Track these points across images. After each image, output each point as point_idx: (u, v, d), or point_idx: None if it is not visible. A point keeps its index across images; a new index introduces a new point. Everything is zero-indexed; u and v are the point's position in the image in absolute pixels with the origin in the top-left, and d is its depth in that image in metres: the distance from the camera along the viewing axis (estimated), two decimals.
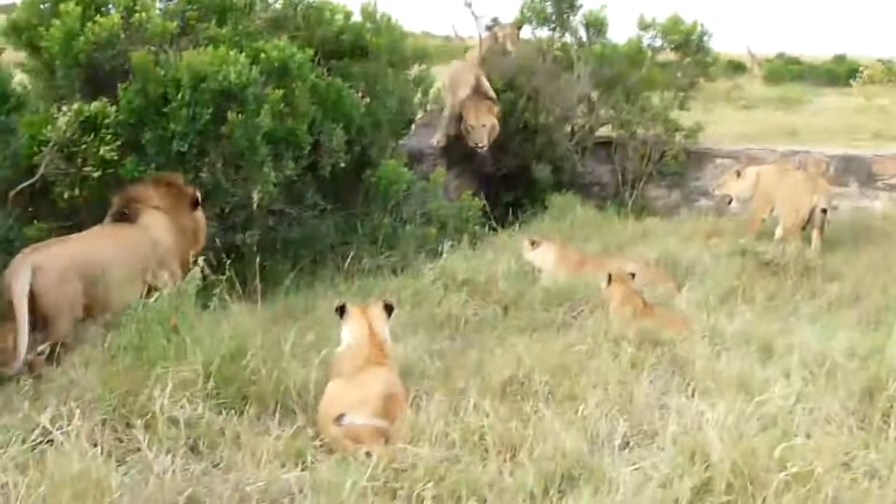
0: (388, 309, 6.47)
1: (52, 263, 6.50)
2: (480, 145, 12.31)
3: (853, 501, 4.94)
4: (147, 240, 7.23)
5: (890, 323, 7.63)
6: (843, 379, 6.50)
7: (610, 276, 7.99)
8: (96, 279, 6.66)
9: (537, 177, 12.77)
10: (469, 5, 13.69)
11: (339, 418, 5.55)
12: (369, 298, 7.24)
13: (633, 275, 8.06)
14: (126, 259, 7.02)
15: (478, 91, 12.51)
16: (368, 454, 5.27)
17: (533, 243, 9.62)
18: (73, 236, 7.02)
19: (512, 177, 13.10)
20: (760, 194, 11.15)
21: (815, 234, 10.71)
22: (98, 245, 7.03)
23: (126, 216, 7.31)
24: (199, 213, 7.70)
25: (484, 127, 12.32)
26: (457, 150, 12.85)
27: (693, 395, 6.38)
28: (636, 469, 5.30)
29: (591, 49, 14.02)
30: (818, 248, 10.41)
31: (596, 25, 14.10)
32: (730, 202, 11.46)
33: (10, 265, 6.51)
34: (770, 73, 34.57)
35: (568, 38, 14.25)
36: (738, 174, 11.35)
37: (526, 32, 14.21)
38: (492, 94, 12.58)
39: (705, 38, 14.27)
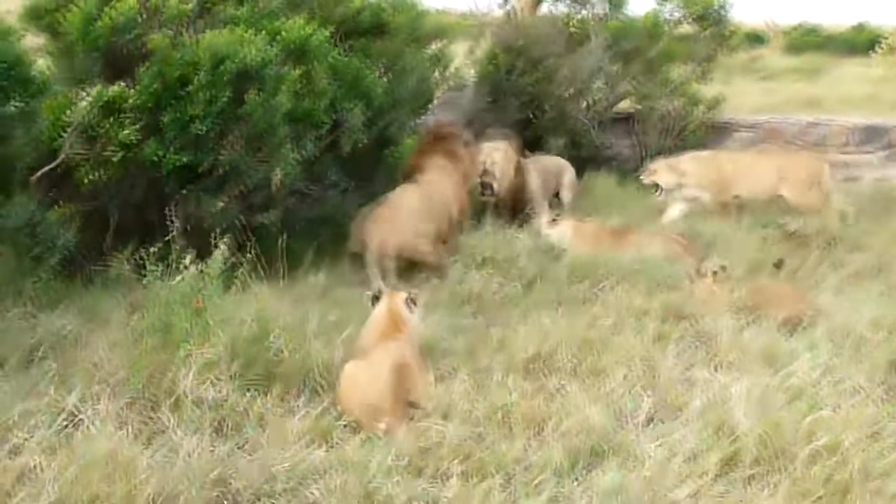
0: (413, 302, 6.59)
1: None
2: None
3: (881, 472, 4.93)
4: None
5: None
6: (869, 350, 6.50)
7: (699, 271, 7.94)
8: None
9: (552, 150, 12.72)
10: None
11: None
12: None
13: (723, 267, 7.99)
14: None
15: None
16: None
17: (554, 220, 9.62)
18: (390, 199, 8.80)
19: (531, 152, 13.07)
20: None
21: None
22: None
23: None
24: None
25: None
26: (476, 127, 12.82)
27: (718, 368, 6.38)
28: (662, 443, 5.30)
29: (610, 23, 13.95)
30: None
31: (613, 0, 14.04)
32: (659, 192, 11.09)
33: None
34: (790, 43, 34.34)
35: (586, 12, 14.18)
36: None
37: (544, 7, 14.17)
38: None
39: (724, 10, 14.17)
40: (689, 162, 10.90)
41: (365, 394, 5.70)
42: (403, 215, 8.64)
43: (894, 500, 4.77)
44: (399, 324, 6.34)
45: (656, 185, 10.91)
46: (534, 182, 11.12)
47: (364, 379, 5.78)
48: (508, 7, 13.75)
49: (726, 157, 11.33)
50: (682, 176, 10.73)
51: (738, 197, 10.68)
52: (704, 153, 11.44)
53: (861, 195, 11.57)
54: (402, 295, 6.61)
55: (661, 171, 10.89)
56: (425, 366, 6.24)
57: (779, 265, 7.90)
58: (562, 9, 14.24)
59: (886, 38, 29.31)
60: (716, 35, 14.35)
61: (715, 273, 7.89)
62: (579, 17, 14.21)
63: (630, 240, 9.22)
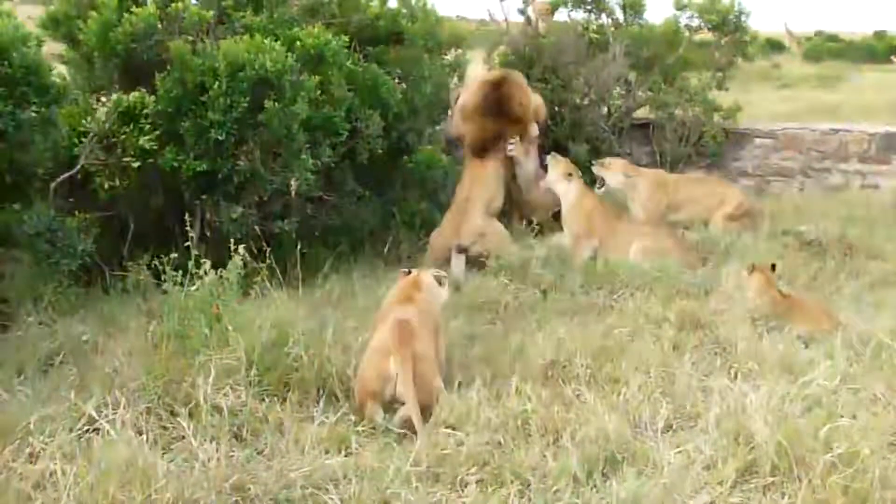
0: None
1: None
2: None
3: None
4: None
5: None
6: (889, 359, 6.46)
7: (753, 266, 7.92)
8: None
9: (574, 157, 12.70)
10: None
11: None
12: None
13: (773, 266, 7.97)
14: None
15: None
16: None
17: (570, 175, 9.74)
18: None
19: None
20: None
21: None
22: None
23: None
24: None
25: None
26: None
27: (736, 377, 6.36)
28: (680, 452, 5.29)
29: (628, 30, 13.93)
30: None
31: (633, 6, 14.00)
32: (600, 185, 10.89)
33: None
34: (809, 51, 34.30)
35: (604, 19, 14.15)
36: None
37: (562, 15, 14.14)
38: None
39: (743, 18, 14.13)
40: (645, 177, 10.78)
41: (372, 351, 5.90)
42: None
43: None
44: (413, 294, 6.44)
45: (602, 179, 10.75)
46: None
47: (373, 342, 6.01)
48: (526, 14, 13.70)
49: (674, 180, 11.18)
50: (632, 189, 10.62)
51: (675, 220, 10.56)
52: (661, 172, 11.34)
53: (882, 202, 11.52)
54: (431, 272, 6.79)
55: (614, 169, 10.73)
56: (440, 336, 6.35)
57: (772, 269, 7.87)
58: (580, 15, 14.22)
59: None
60: (734, 43, 14.31)
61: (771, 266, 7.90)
62: (597, 23, 14.19)
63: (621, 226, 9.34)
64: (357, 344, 6.35)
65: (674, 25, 14.16)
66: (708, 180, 11.83)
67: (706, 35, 14.43)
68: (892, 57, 28.74)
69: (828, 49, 34.29)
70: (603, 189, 10.55)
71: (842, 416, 5.44)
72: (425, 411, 5.62)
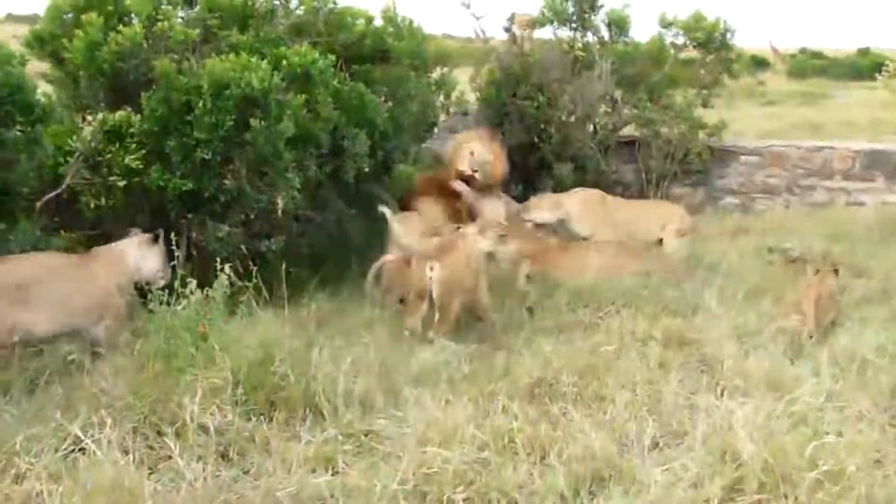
0: None
1: None
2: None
3: (886, 499, 4.91)
4: None
5: None
6: (874, 376, 6.48)
7: (817, 269, 7.99)
8: None
9: (559, 176, 12.71)
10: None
11: None
12: None
13: (836, 270, 8.01)
14: None
15: None
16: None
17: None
18: None
19: (534, 177, 13.07)
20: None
21: None
22: None
23: None
24: None
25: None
26: None
27: (722, 394, 6.36)
28: (666, 469, 5.29)
29: (613, 48, 13.99)
30: None
31: (618, 24, 14.06)
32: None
33: None
34: (793, 68, 34.45)
35: (590, 37, 14.20)
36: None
37: (547, 33, 14.20)
38: None
39: (728, 35, 14.21)
40: (572, 199, 10.76)
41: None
42: None
43: None
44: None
45: (533, 223, 10.61)
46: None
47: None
48: (511, 32, 13.75)
49: (611, 199, 11.15)
50: (567, 215, 10.60)
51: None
52: (593, 191, 11.28)
53: (866, 219, 11.58)
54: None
55: (540, 207, 10.71)
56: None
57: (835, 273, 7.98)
58: (566, 33, 14.27)
59: (891, 63, 29.36)
60: (719, 60, 14.39)
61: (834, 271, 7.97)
62: (583, 41, 14.23)
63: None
64: (344, 363, 6.34)
65: (659, 43, 14.23)
66: (648, 200, 11.95)
67: (691, 53, 14.51)
68: (877, 74, 28.85)
69: (812, 66, 34.45)
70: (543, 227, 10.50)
71: (828, 434, 5.45)
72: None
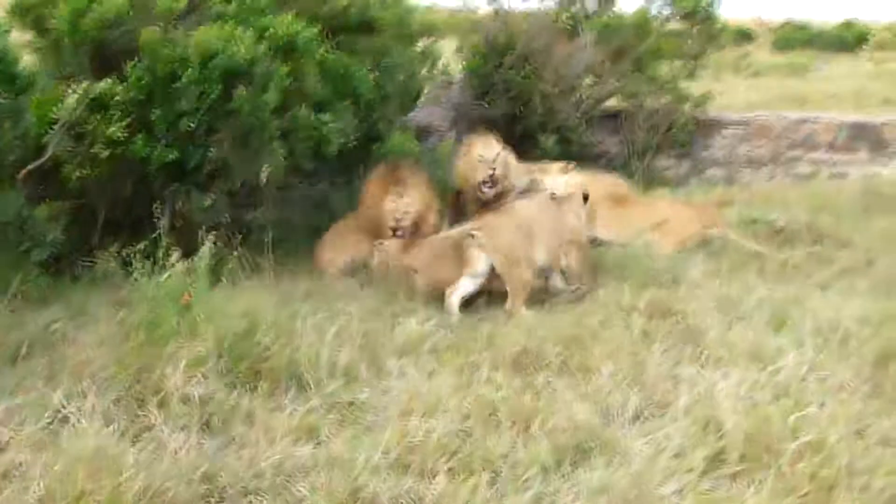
0: None
1: None
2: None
3: (867, 469, 4.95)
4: None
5: None
6: (856, 347, 6.51)
7: None
8: None
9: (544, 147, 12.69)
10: None
11: None
12: None
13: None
14: None
15: None
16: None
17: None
18: None
19: (521, 148, 13.07)
20: None
21: None
22: None
23: None
24: None
25: None
26: (464, 123, 12.86)
27: (705, 365, 6.39)
28: (649, 440, 5.32)
29: (599, 19, 13.95)
30: None
31: None
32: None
33: None
34: (778, 40, 34.40)
35: (576, 8, 14.15)
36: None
37: (533, 3, 14.15)
38: None
39: (712, 7, 14.17)
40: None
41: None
42: None
43: (879, 497, 4.79)
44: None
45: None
46: None
47: None
48: (498, 2, 13.71)
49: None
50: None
51: None
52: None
53: (851, 191, 11.60)
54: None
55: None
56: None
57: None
58: (550, 4, 14.22)
59: (874, 35, 29.39)
60: (704, 32, 14.35)
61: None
62: (569, 12, 14.18)
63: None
64: (328, 333, 6.33)
65: (645, 15, 14.19)
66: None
67: (676, 25, 14.48)
68: (861, 46, 28.88)
69: (797, 38, 34.38)
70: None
71: (810, 404, 5.48)
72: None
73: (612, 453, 5.20)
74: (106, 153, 7.57)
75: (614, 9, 14.33)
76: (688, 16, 14.15)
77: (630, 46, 13.89)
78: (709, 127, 13.77)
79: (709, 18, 14.23)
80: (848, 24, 36.06)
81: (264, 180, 7.85)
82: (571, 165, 8.98)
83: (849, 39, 32.89)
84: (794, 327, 7.00)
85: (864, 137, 13.38)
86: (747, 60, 25.53)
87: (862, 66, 25.01)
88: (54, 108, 7.52)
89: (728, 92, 17.28)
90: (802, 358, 6.21)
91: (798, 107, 15.85)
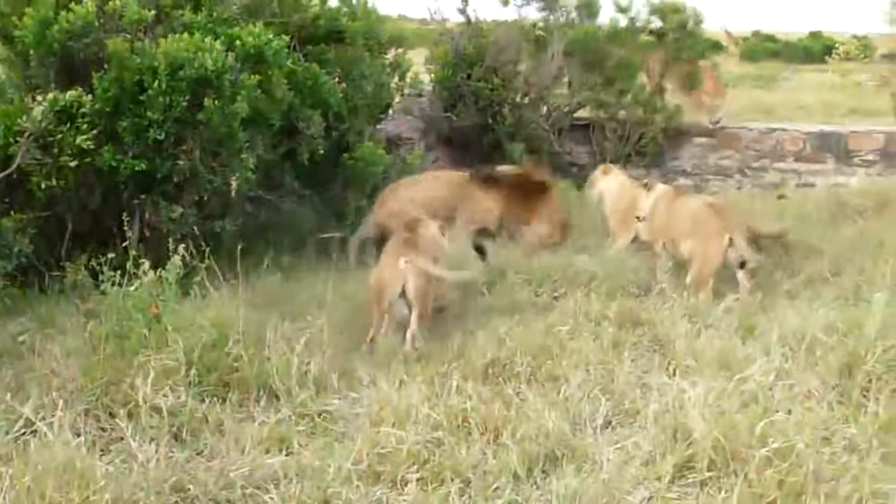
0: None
1: None
2: None
3: (834, 476, 4.98)
4: None
5: (868, 298, 7.66)
6: (823, 355, 6.53)
7: None
8: None
9: (511, 156, 12.71)
10: None
11: None
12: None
13: None
14: None
15: None
16: None
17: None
18: None
19: (490, 158, 13.09)
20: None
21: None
22: None
23: None
24: None
25: None
26: (434, 134, 12.91)
27: (674, 373, 6.43)
28: (619, 448, 5.34)
29: (573, 30, 13.99)
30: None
31: (588, 7, 14.06)
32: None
33: None
34: (746, 51, 34.65)
35: (555, 18, 14.16)
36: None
37: (511, 12, 14.19)
38: None
39: (700, 25, 14.30)
40: None
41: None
42: None
43: (846, 503, 4.82)
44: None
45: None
46: None
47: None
48: (465, 13, 13.75)
49: None
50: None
51: None
52: None
53: (817, 200, 11.67)
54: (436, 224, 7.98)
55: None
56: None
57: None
58: (532, 13, 14.24)
59: (841, 46, 29.65)
60: (677, 42, 14.40)
61: None
62: (544, 23, 14.21)
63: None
64: (298, 343, 6.32)
65: (616, 25, 14.25)
66: None
67: (649, 37, 14.55)
68: (827, 57, 29.12)
69: (765, 49, 34.66)
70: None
71: (777, 412, 5.50)
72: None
73: (581, 461, 5.21)
74: (74, 164, 7.54)
75: (596, 20, 14.36)
76: (662, 29, 14.23)
77: (603, 57, 13.94)
78: (678, 137, 13.86)
79: (684, 30, 14.30)
80: (814, 36, 36.37)
81: (234, 190, 7.85)
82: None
83: (815, 50, 33.18)
84: (762, 336, 7.04)
85: (831, 147, 13.51)
86: (715, 71, 25.68)
87: (828, 77, 25.20)
88: (21, 119, 7.49)
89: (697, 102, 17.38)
90: (770, 366, 6.23)
91: (766, 117, 15.96)
